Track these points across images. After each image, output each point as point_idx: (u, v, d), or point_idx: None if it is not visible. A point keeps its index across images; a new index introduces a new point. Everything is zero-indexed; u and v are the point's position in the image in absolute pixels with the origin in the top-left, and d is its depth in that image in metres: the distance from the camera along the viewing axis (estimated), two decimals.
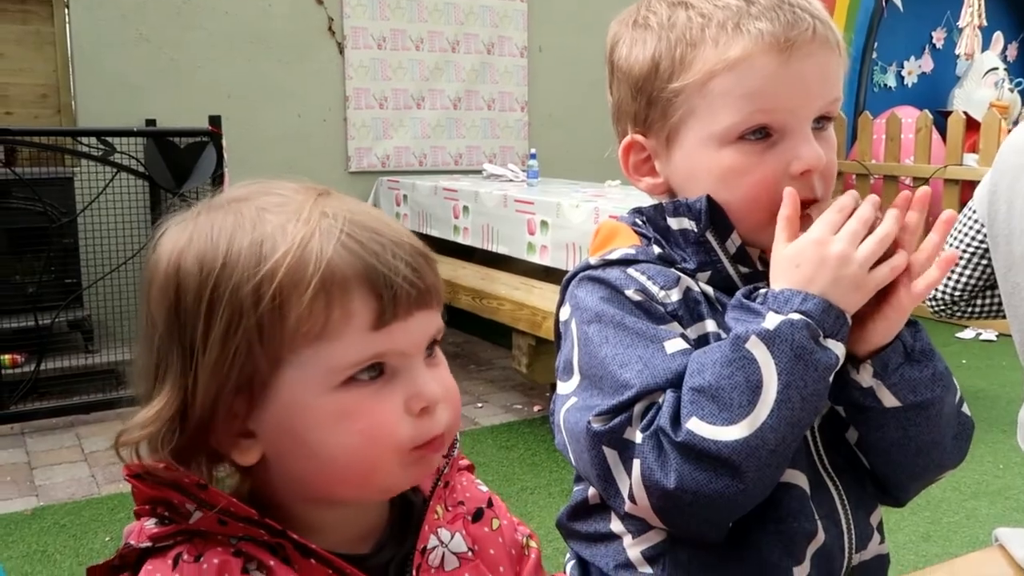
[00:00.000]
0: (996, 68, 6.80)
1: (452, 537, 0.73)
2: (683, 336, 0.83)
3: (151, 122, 4.39)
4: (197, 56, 4.75)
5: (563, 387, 0.86)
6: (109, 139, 3.66)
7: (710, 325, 0.85)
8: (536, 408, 3.87)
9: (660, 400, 0.78)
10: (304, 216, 0.65)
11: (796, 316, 0.76)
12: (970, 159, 5.55)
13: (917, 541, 2.66)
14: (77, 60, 4.46)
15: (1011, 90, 6.81)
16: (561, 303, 0.90)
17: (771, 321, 0.76)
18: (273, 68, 4.96)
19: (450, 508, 0.75)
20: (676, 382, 0.78)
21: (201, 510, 0.63)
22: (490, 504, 0.79)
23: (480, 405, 3.94)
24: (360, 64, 5.25)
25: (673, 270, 0.86)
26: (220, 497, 0.63)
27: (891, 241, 0.80)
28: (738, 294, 0.81)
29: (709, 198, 0.85)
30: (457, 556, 0.72)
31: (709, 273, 0.87)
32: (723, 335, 0.83)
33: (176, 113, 4.42)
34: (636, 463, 0.77)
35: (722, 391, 0.75)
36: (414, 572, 0.69)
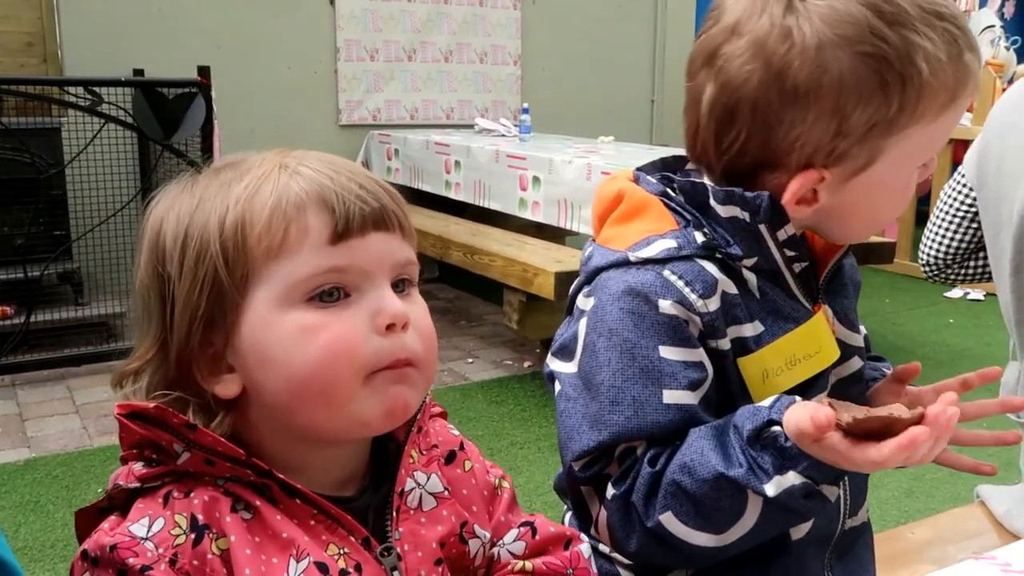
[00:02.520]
0: (992, 26, 6.74)
1: (428, 478, 0.76)
2: (694, 375, 0.80)
3: (139, 72, 4.32)
4: (186, 5, 4.67)
5: (555, 363, 0.88)
6: (97, 89, 3.61)
7: (747, 329, 0.83)
8: (527, 364, 3.89)
9: (638, 451, 0.80)
10: (266, 167, 0.70)
11: (798, 481, 0.73)
12: (964, 119, 5.53)
13: (900, 497, 2.71)
14: (63, 7, 4.38)
15: (1007, 48, 6.76)
16: (584, 287, 0.87)
17: (772, 487, 0.74)
18: (263, 18, 4.89)
19: (424, 452, 0.77)
20: (660, 436, 0.79)
21: (189, 451, 0.65)
22: (462, 447, 0.82)
23: (471, 361, 3.96)
24: (351, 15, 5.18)
25: (712, 271, 0.82)
26: (207, 436, 0.65)
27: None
28: (747, 429, 0.75)
29: (771, 196, 0.81)
30: (434, 496, 0.75)
31: (756, 259, 0.84)
32: (762, 327, 0.83)
33: (165, 63, 4.35)
34: (603, 513, 0.82)
35: (703, 506, 0.76)
36: (393, 514, 0.72)
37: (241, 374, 0.68)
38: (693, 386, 0.80)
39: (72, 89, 3.66)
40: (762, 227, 0.82)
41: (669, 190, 0.88)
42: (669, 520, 0.77)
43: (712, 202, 0.83)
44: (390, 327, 0.67)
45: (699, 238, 0.83)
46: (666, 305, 0.80)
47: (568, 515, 0.97)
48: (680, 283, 0.80)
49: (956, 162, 5.46)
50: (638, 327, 0.80)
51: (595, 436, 0.80)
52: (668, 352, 0.80)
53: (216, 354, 0.68)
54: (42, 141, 3.76)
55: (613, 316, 0.81)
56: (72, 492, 2.68)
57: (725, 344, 0.82)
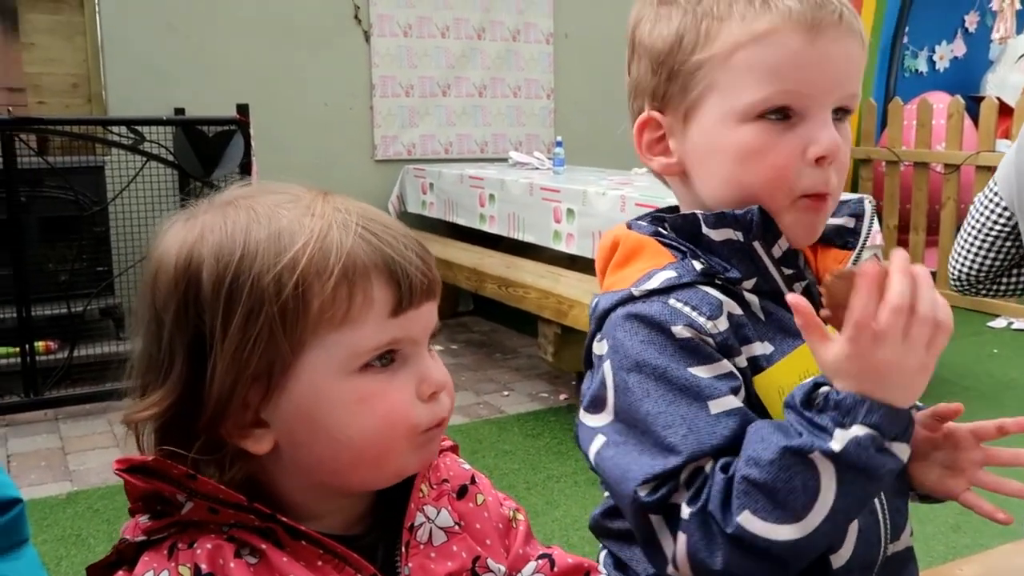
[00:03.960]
0: None
1: (438, 513, 0.75)
2: (731, 383, 0.80)
3: (180, 111, 4.42)
4: (225, 45, 4.78)
5: (591, 419, 0.85)
6: (139, 128, 3.69)
7: (757, 348, 0.83)
8: (562, 396, 3.87)
9: (707, 468, 0.77)
10: (318, 211, 0.67)
11: (862, 432, 0.72)
12: (1003, 145, 5.46)
13: (947, 532, 2.64)
14: (107, 49, 4.51)
15: None
16: (596, 334, 0.86)
17: (837, 441, 0.72)
18: (300, 56, 4.98)
19: (434, 486, 0.77)
20: (722, 449, 0.77)
21: (192, 500, 0.65)
22: (473, 481, 0.81)
23: (506, 393, 3.95)
24: (386, 52, 5.26)
25: (715, 294, 0.83)
26: (207, 484, 0.64)
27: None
28: (797, 396, 0.76)
29: (761, 209, 0.83)
30: (444, 531, 0.74)
31: (755, 280, 0.85)
32: (772, 347, 0.83)
33: (204, 101, 4.45)
34: (682, 537, 0.76)
35: (777, 492, 0.73)
36: (403, 549, 0.71)
37: (278, 432, 0.67)
38: (734, 391, 0.80)
39: (115, 128, 3.75)
40: (756, 244, 0.84)
41: (661, 229, 0.89)
42: (748, 519, 0.74)
43: (704, 229, 0.85)
44: (433, 395, 0.70)
45: (697, 266, 0.84)
46: (679, 329, 0.80)
47: (603, 554, 0.96)
48: (687, 308, 0.81)
49: None
50: (662, 353, 0.80)
51: (659, 462, 0.77)
52: (697, 371, 0.79)
53: (248, 408, 0.66)
54: (86, 179, 3.86)
55: (634, 349, 0.81)
56: (113, 526, 2.70)
57: (742, 362, 0.82)
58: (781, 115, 0.83)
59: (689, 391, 0.78)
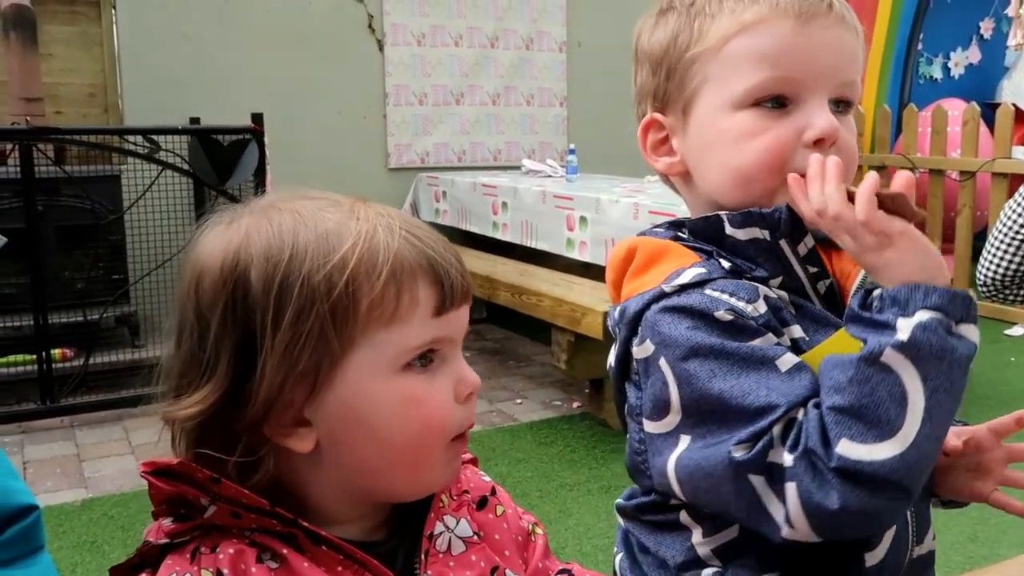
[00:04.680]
0: None
1: (458, 523, 0.76)
2: (786, 349, 0.79)
3: (195, 120, 4.45)
4: (240, 55, 4.81)
5: (658, 427, 0.82)
6: (155, 137, 3.72)
7: (796, 330, 0.83)
8: (575, 404, 3.86)
9: (799, 417, 0.75)
10: (362, 215, 0.69)
11: (926, 316, 0.71)
12: (1019, 152, 5.43)
13: (964, 542, 2.62)
14: (124, 60, 4.55)
15: None
16: (631, 338, 0.85)
17: (903, 330, 0.71)
18: (314, 65, 5.01)
19: (455, 497, 0.77)
20: (805, 398, 0.76)
21: (215, 504, 0.65)
22: (493, 492, 0.81)
23: (519, 401, 3.94)
24: (400, 61, 5.28)
25: (748, 281, 0.83)
26: (230, 488, 0.64)
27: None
28: (852, 305, 0.76)
29: (788, 207, 0.83)
30: (463, 540, 0.75)
31: (781, 279, 0.85)
32: (807, 338, 0.82)
33: (219, 111, 4.47)
34: (791, 487, 0.74)
35: (866, 410, 0.72)
36: (422, 557, 0.72)
37: (320, 430, 0.68)
38: (794, 351, 0.79)
39: (131, 137, 3.78)
40: (783, 243, 0.84)
41: (679, 234, 0.89)
42: (847, 447, 0.72)
43: (729, 229, 0.85)
44: (469, 396, 0.71)
45: (725, 264, 0.84)
46: (722, 314, 0.79)
47: (619, 558, 0.96)
48: (725, 296, 0.80)
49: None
50: (712, 334, 0.79)
51: (747, 426, 0.75)
52: (752, 343, 0.78)
53: (291, 404, 0.66)
54: (102, 188, 3.89)
55: (684, 336, 0.79)
56: (127, 532, 2.71)
57: (786, 341, 0.81)
58: (776, 103, 0.84)
59: (753, 359, 0.77)
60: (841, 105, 0.87)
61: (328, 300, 0.65)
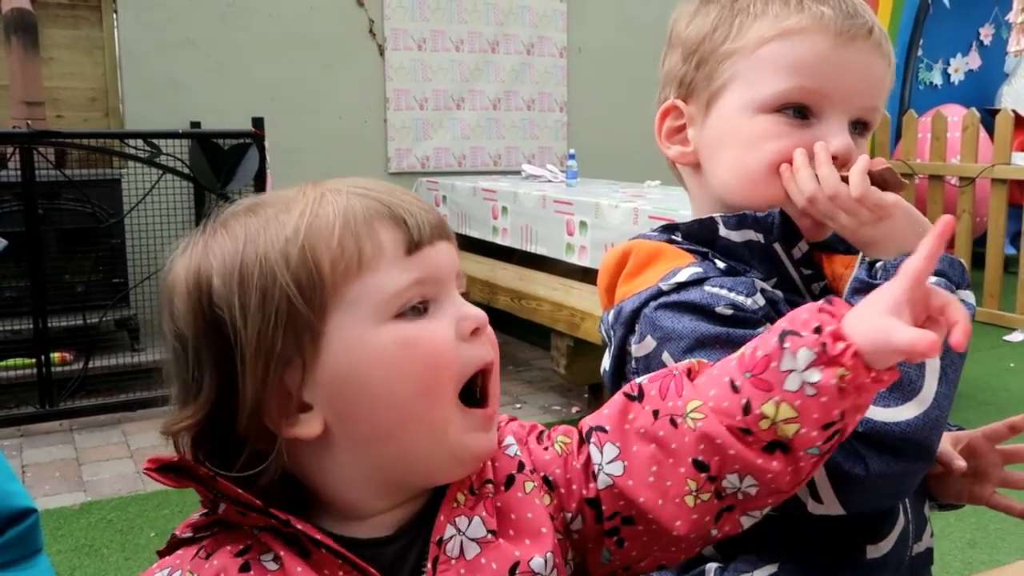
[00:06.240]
0: None
1: (469, 523, 0.69)
2: None
3: (196, 124, 4.46)
4: (241, 59, 4.82)
5: None
6: (155, 141, 3.72)
7: None
8: (574, 409, 3.86)
9: None
10: (308, 190, 0.69)
11: (931, 280, 0.72)
12: (1019, 158, 5.43)
13: (963, 547, 2.61)
14: (125, 64, 4.55)
15: None
16: (628, 337, 0.85)
17: None
18: (315, 70, 5.02)
19: (476, 491, 0.71)
20: None
21: (224, 501, 0.65)
22: (520, 468, 0.73)
23: (519, 406, 3.94)
24: (400, 65, 5.29)
25: (744, 277, 0.84)
26: (228, 487, 0.63)
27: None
28: (858, 275, 0.80)
29: (782, 212, 0.85)
30: (477, 542, 0.68)
31: (774, 281, 0.86)
32: None
33: (220, 115, 4.49)
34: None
35: None
36: (429, 565, 0.67)
37: (324, 410, 0.65)
38: None
39: (132, 141, 3.78)
40: (776, 246, 0.85)
41: (673, 237, 0.90)
42: (873, 411, 0.73)
43: (723, 231, 0.86)
44: (475, 331, 0.68)
45: (720, 264, 0.85)
46: (722, 309, 0.80)
47: None
48: (723, 291, 0.81)
49: (1012, 202, 5.36)
50: (714, 324, 0.80)
51: None
52: (755, 332, 0.78)
53: (288, 394, 0.65)
54: (103, 192, 3.89)
55: (687, 328, 0.80)
56: (126, 536, 2.71)
57: None
58: (798, 113, 0.85)
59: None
60: (859, 127, 0.88)
61: (288, 270, 0.63)
